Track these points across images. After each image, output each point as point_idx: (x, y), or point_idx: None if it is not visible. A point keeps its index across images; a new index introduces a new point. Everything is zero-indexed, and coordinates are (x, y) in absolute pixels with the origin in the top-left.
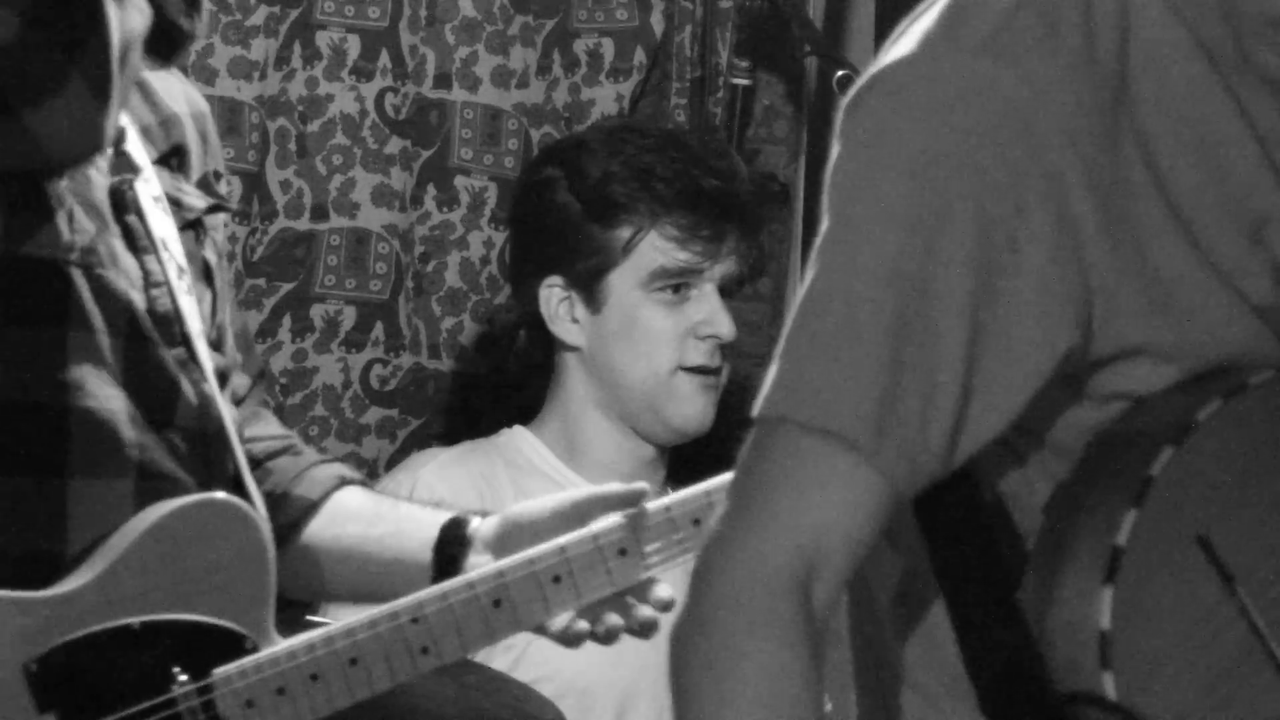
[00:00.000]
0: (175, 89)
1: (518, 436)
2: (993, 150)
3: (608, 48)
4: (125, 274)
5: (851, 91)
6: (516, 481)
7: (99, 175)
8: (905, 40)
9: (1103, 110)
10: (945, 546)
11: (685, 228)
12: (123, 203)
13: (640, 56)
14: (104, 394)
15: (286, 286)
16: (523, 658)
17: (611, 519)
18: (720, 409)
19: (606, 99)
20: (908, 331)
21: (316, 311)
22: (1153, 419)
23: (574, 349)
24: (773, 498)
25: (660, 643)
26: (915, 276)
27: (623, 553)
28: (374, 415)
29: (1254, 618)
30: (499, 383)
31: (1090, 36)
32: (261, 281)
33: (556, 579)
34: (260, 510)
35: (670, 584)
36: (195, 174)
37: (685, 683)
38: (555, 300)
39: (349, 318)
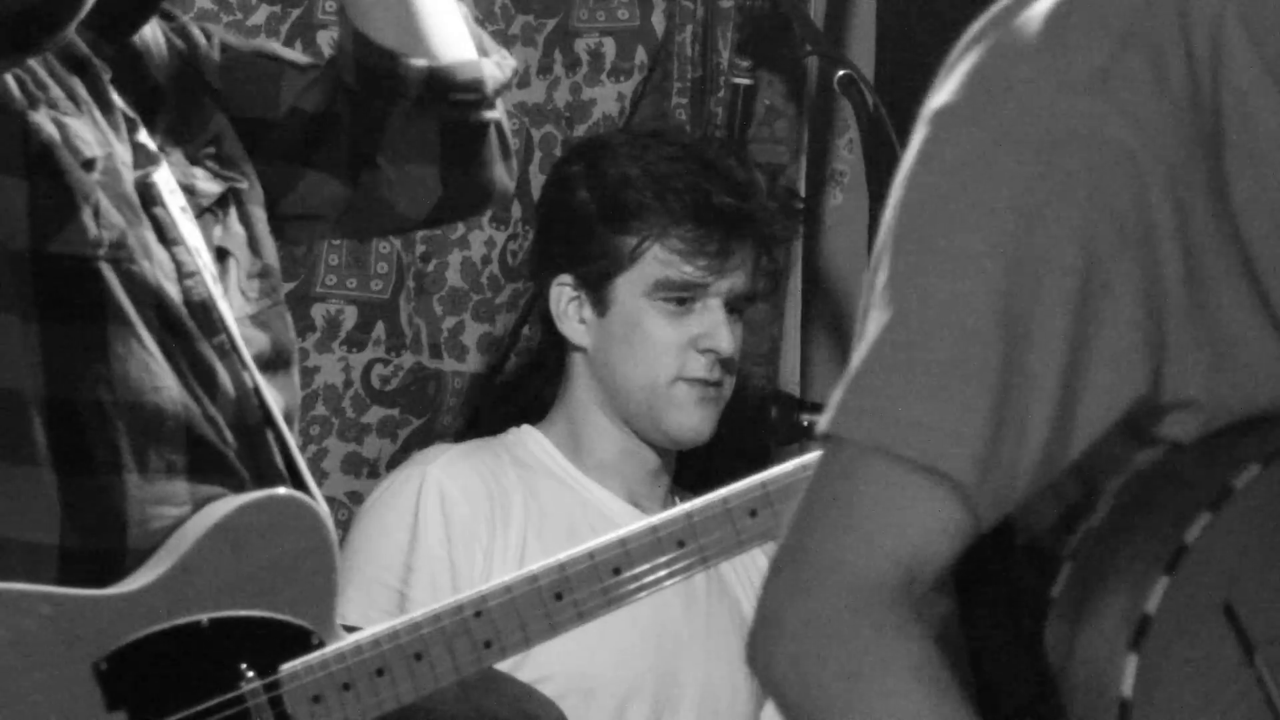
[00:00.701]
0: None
1: (526, 435)
2: (1099, 193)
3: (609, 47)
4: (160, 266)
5: (938, 101)
6: (525, 480)
7: (125, 169)
8: (996, 57)
9: (1200, 157)
10: (972, 585)
11: (692, 241)
12: (148, 195)
13: (641, 56)
14: (152, 388)
15: (287, 286)
16: (526, 657)
17: (672, 511)
18: (724, 414)
19: (608, 98)
20: (1012, 375)
21: (317, 311)
22: (1189, 476)
23: (580, 349)
24: (868, 523)
25: (663, 643)
26: (1022, 318)
27: (681, 544)
28: (375, 415)
29: (1270, 689)
30: (499, 382)
31: (1194, 80)
32: None
33: (616, 570)
34: (322, 504)
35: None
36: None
37: (821, 696)
38: (565, 299)
39: (350, 317)
